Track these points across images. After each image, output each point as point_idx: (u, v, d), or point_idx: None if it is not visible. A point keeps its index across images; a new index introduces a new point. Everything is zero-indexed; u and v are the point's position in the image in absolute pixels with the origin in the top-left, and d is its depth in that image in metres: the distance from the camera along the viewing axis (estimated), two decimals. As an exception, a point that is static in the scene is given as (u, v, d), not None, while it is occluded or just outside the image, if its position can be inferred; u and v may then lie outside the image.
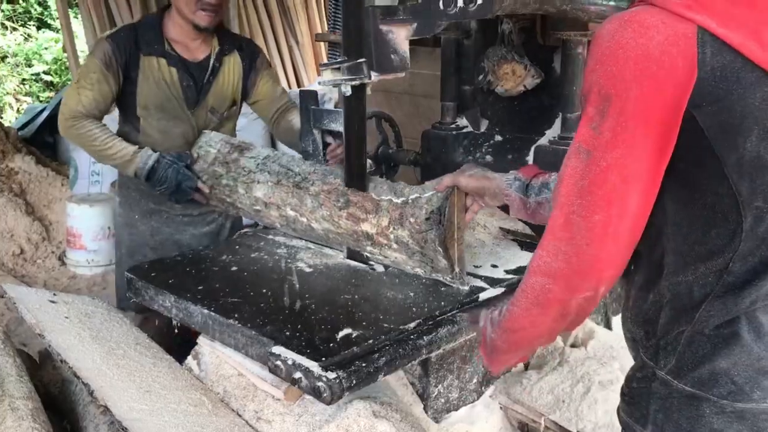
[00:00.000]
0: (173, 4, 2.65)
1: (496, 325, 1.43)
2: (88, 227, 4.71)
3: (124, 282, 2.26)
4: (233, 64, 2.80)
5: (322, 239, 2.31)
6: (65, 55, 7.39)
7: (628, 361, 2.27)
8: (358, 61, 1.91)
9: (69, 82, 6.94)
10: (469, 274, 2.17)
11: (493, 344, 1.45)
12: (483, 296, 2.02)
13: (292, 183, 2.30)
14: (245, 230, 2.70)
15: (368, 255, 2.20)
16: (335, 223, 2.18)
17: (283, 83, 6.48)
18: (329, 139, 2.45)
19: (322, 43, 6.56)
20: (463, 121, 2.90)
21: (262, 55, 2.92)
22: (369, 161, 2.89)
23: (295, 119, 2.82)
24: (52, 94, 9.21)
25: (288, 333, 1.77)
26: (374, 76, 1.91)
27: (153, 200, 2.81)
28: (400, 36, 1.93)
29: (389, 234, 2.05)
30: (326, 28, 6.15)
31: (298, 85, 6.61)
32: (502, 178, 1.86)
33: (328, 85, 2.03)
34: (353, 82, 1.95)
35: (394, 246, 2.06)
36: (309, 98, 2.44)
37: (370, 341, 1.72)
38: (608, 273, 1.22)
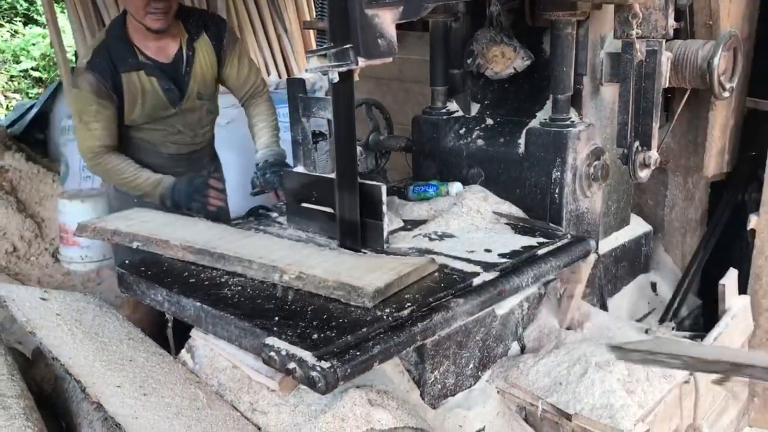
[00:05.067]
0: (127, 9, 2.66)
1: None
2: (80, 223, 4.68)
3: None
4: (204, 46, 2.82)
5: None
6: (53, 50, 7.33)
7: (624, 342, 2.27)
8: (345, 46, 1.88)
9: (57, 77, 6.88)
10: (462, 258, 2.16)
11: None
12: (476, 281, 2.01)
13: None
14: (236, 221, 2.69)
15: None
16: None
17: (273, 72, 6.43)
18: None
19: (311, 31, 6.51)
20: (453, 106, 2.88)
21: (229, 32, 2.92)
22: (360, 149, 2.89)
23: (252, 110, 3.00)
24: (41, 90, 9.14)
25: (281, 323, 1.75)
26: (361, 62, 1.89)
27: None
28: (387, 20, 1.90)
29: None
30: (314, 16, 6.10)
31: (288, 74, 6.55)
32: None
33: (315, 72, 2.00)
34: (340, 69, 1.93)
35: None
36: (297, 87, 2.42)
37: (364, 329, 1.70)
38: None
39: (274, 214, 2.67)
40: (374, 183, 2.22)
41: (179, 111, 2.80)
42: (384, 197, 2.18)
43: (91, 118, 2.64)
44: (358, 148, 2.84)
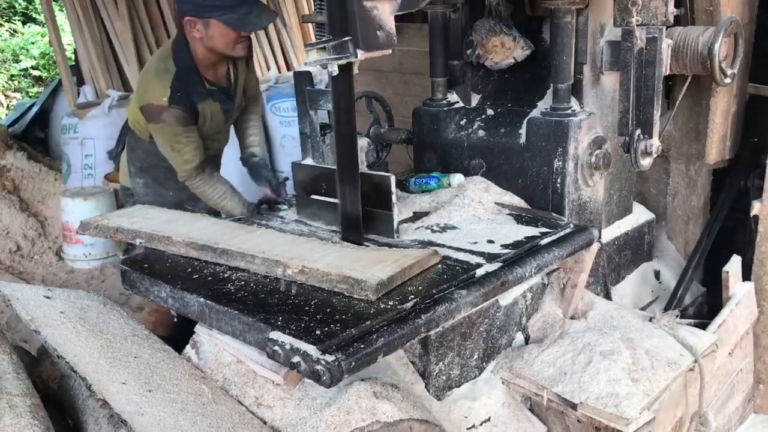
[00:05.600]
0: (204, 45, 2.74)
1: None
2: (83, 221, 4.69)
3: None
4: (242, 62, 2.99)
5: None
6: (52, 49, 7.32)
7: (628, 331, 2.27)
8: (344, 39, 1.88)
9: (57, 76, 6.87)
10: (465, 250, 2.16)
11: None
12: (479, 272, 2.01)
13: None
14: (238, 217, 2.70)
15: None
16: None
17: (272, 66, 6.43)
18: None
19: (309, 25, 6.50)
20: (454, 97, 2.87)
21: (251, 45, 3.04)
22: (367, 140, 2.90)
23: (250, 107, 3.18)
24: (41, 89, 9.13)
25: (285, 317, 1.76)
26: (361, 54, 1.88)
27: (175, 179, 2.95)
28: (385, 12, 1.90)
29: None
30: (313, 9, 6.08)
31: (288, 68, 6.55)
32: None
33: (314, 65, 2.00)
34: (339, 61, 1.92)
35: None
36: (304, 79, 2.44)
37: (368, 322, 1.70)
38: None
39: (284, 206, 2.69)
40: (384, 173, 2.24)
41: (228, 124, 3.03)
42: (394, 187, 2.20)
43: (183, 144, 2.79)
44: (366, 140, 2.87)
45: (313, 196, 2.48)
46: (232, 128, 3.20)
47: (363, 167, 2.36)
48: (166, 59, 2.79)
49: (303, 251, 2.07)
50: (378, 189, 2.22)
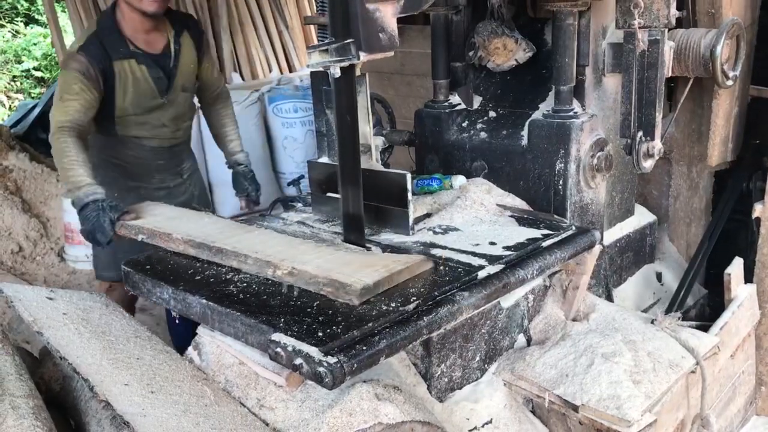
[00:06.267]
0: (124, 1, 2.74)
1: None
2: (85, 222, 4.68)
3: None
4: (188, 43, 2.95)
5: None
6: (54, 50, 7.33)
7: (630, 333, 2.27)
8: (346, 41, 1.88)
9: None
10: (467, 251, 2.16)
11: None
12: (481, 274, 2.01)
13: None
14: (241, 218, 2.70)
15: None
16: None
17: (274, 68, 6.43)
18: None
19: (311, 27, 6.51)
20: (456, 99, 2.88)
21: (204, 37, 3.10)
22: (382, 138, 2.91)
23: (222, 111, 3.20)
24: (43, 90, 9.15)
25: (287, 319, 1.76)
26: (363, 56, 1.89)
27: (131, 178, 2.97)
28: (388, 14, 1.90)
29: None
30: (315, 11, 6.09)
31: (290, 70, 6.55)
32: None
33: (317, 68, 2.00)
34: (342, 64, 1.93)
35: None
36: (321, 79, 2.47)
37: (370, 324, 1.70)
38: None
39: (299, 204, 2.70)
40: (399, 171, 2.26)
41: (166, 101, 2.91)
42: (409, 185, 2.22)
43: (72, 97, 2.67)
44: (382, 139, 2.88)
45: (329, 194, 2.50)
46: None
47: (378, 165, 2.39)
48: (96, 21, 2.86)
49: (296, 252, 2.08)
50: (394, 186, 2.26)
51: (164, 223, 2.39)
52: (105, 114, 2.83)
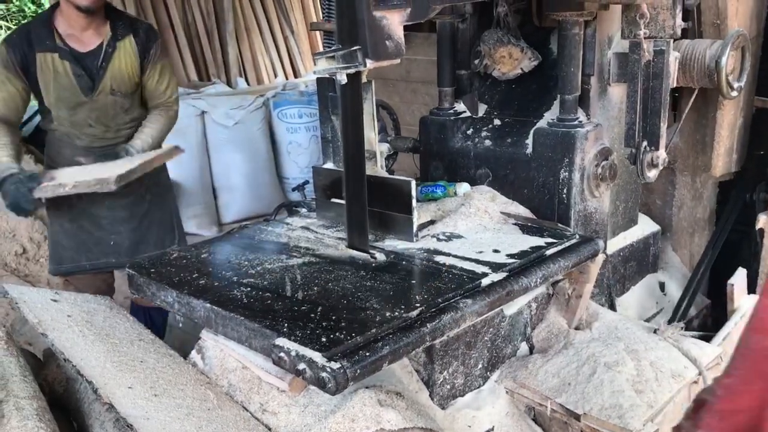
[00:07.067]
0: None
1: (705, 410, 1.10)
2: (89, 224, 4.70)
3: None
4: (128, 47, 2.95)
5: None
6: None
7: (632, 342, 2.28)
8: (353, 48, 1.89)
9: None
10: (471, 259, 2.17)
11: None
12: (485, 282, 2.01)
13: None
14: (245, 223, 2.71)
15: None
16: None
17: (279, 73, 6.45)
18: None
19: (317, 33, 6.53)
20: (461, 106, 2.88)
21: (157, 45, 3.06)
22: (387, 145, 2.92)
23: (153, 112, 3.11)
24: (49, 92, 9.16)
25: (291, 324, 1.76)
26: (369, 63, 1.89)
27: None
28: (394, 21, 1.91)
29: None
30: (321, 17, 6.12)
31: (295, 76, 6.58)
32: None
33: (323, 74, 2.01)
34: (348, 70, 1.93)
35: None
36: (326, 85, 2.48)
37: (374, 330, 1.71)
38: None
39: (303, 210, 2.71)
40: (405, 178, 2.27)
41: (90, 101, 2.93)
42: (414, 192, 2.23)
43: None
44: (387, 145, 2.90)
45: (333, 200, 2.51)
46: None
47: (383, 172, 2.40)
48: None
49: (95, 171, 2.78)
50: (398, 193, 2.26)
51: (78, 173, 2.78)
52: (40, 108, 2.96)
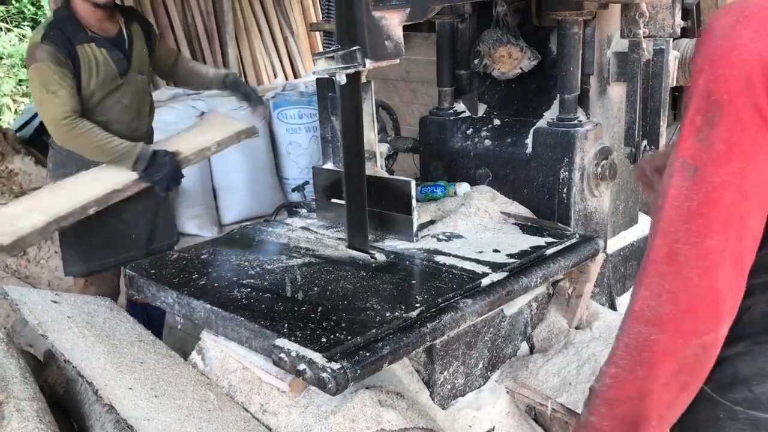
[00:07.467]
0: None
1: (594, 397, 1.14)
2: (89, 226, 4.70)
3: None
4: (138, 32, 3.07)
5: None
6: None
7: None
8: (352, 48, 1.89)
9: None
10: (471, 259, 2.17)
11: (595, 429, 1.13)
12: (485, 281, 2.01)
13: None
14: (245, 224, 2.71)
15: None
16: None
17: (279, 73, 6.45)
18: None
19: (317, 33, 6.53)
20: (460, 106, 2.88)
21: (153, 30, 3.23)
22: (387, 145, 2.92)
23: (191, 63, 3.38)
24: (49, 93, 9.15)
25: (291, 325, 1.76)
26: (369, 64, 1.90)
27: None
28: (394, 22, 1.91)
29: None
30: (320, 18, 6.11)
31: (295, 76, 6.57)
32: None
33: (322, 74, 2.01)
34: (348, 71, 1.94)
35: None
36: (326, 86, 2.48)
37: (374, 330, 1.71)
38: (728, 305, 1.02)
39: (303, 210, 2.71)
40: (404, 178, 2.28)
41: (126, 81, 2.98)
42: (414, 192, 2.24)
43: (57, 86, 2.74)
44: (386, 145, 2.90)
45: (333, 200, 2.51)
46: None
47: (383, 172, 2.40)
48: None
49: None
50: (398, 193, 2.27)
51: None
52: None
